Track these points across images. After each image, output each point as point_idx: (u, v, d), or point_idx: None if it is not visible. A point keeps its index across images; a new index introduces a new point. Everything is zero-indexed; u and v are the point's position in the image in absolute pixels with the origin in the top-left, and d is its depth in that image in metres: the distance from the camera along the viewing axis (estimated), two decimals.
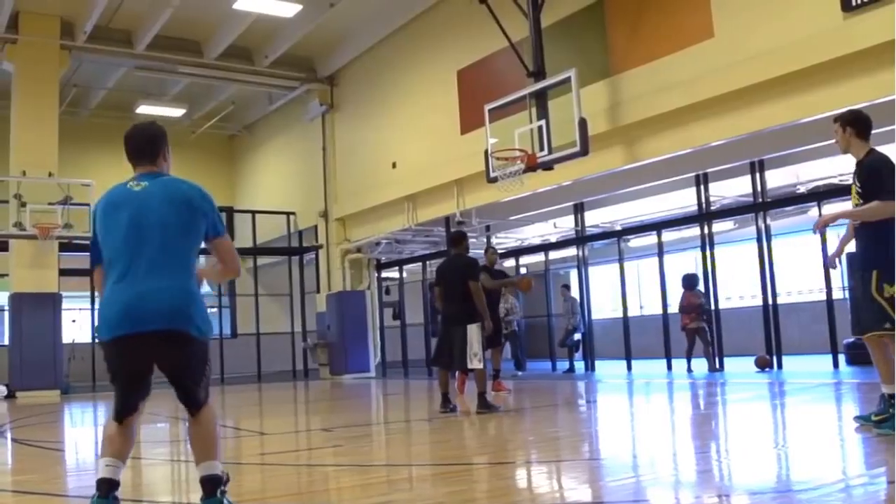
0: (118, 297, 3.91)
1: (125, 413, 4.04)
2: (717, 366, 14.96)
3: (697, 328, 15.30)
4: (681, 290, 15.86)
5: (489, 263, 12.63)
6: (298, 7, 17.49)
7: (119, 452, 3.97)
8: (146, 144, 4.20)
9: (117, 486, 3.89)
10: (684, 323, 15.46)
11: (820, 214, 13.55)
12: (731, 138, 12.34)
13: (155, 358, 3.97)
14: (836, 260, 6.95)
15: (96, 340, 4.02)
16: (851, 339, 13.86)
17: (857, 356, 13.72)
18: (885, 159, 6.01)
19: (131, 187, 4.07)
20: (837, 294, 14.42)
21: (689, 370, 14.96)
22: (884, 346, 5.87)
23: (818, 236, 6.21)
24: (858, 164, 6.11)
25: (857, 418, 6.40)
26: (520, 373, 17.27)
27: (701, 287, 15.73)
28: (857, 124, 6.14)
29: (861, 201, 6.00)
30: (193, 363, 4.03)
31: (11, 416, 12.56)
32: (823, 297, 14.40)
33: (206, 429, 4.07)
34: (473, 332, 9.35)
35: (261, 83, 21.59)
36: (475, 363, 9.33)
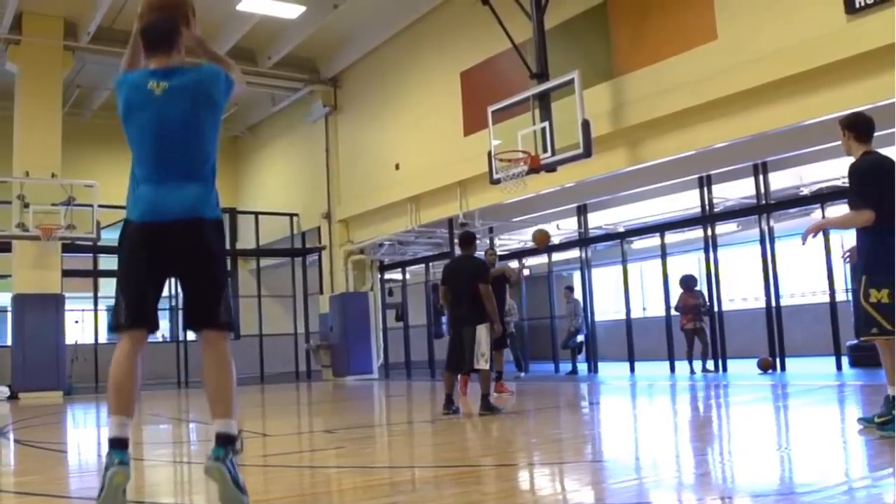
0: (145, 196, 4.09)
1: (134, 321, 4.07)
2: (712, 368, 14.96)
3: (696, 329, 15.31)
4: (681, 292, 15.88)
5: (489, 264, 12.64)
6: (302, 8, 17.51)
7: (129, 407, 4.05)
8: (163, 38, 4.31)
9: (128, 444, 3.96)
10: (682, 324, 15.47)
11: (823, 216, 13.55)
12: (734, 140, 12.34)
13: (175, 252, 4.06)
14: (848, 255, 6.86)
15: (123, 224, 4.21)
16: (854, 341, 13.85)
17: (861, 358, 13.72)
18: (869, 164, 6.01)
19: (152, 89, 4.15)
20: (840, 296, 14.43)
21: (692, 371, 14.95)
22: (892, 348, 5.87)
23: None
24: (849, 167, 6.15)
25: (860, 420, 6.40)
26: (522, 374, 17.25)
27: (700, 288, 15.73)
28: (855, 128, 6.16)
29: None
30: (211, 265, 4.12)
31: (14, 417, 12.57)
32: (826, 299, 14.41)
33: (225, 371, 4.08)
34: (483, 333, 9.41)
35: (264, 84, 21.59)
36: (482, 364, 9.37)
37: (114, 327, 4.13)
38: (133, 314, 4.09)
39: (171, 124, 4.11)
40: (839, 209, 12.80)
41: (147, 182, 4.11)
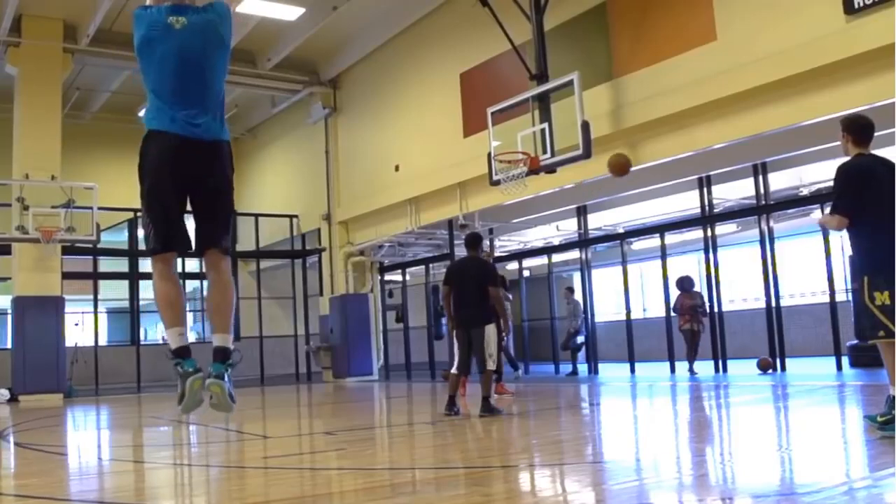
0: (170, 112, 4.42)
1: (166, 245, 4.44)
2: (697, 371, 14.94)
3: (693, 329, 15.35)
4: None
5: None
6: (301, 10, 17.52)
7: (183, 318, 4.52)
8: None
9: (190, 350, 4.41)
10: (680, 325, 15.52)
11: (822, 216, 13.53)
12: (733, 141, 12.34)
13: (198, 169, 4.44)
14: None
15: (146, 135, 4.52)
16: (854, 342, 13.86)
17: (861, 358, 13.72)
18: (857, 168, 6.05)
19: (172, 24, 4.44)
20: (840, 296, 14.43)
21: (692, 372, 14.96)
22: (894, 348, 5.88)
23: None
24: (837, 168, 6.20)
25: (866, 418, 6.42)
26: (520, 372, 17.16)
27: (700, 289, 15.74)
28: (853, 130, 6.20)
29: None
30: (220, 190, 4.56)
31: (14, 420, 12.56)
32: (826, 299, 14.41)
33: (227, 289, 4.56)
34: (490, 334, 9.43)
35: (264, 86, 21.59)
36: (490, 364, 9.40)
37: (150, 251, 4.50)
38: (164, 237, 4.46)
39: (189, 58, 4.45)
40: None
41: (169, 104, 4.44)
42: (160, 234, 4.46)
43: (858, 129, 6.19)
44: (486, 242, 19.21)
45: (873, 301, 5.85)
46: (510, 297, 15.34)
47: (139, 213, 4.50)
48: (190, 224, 4.60)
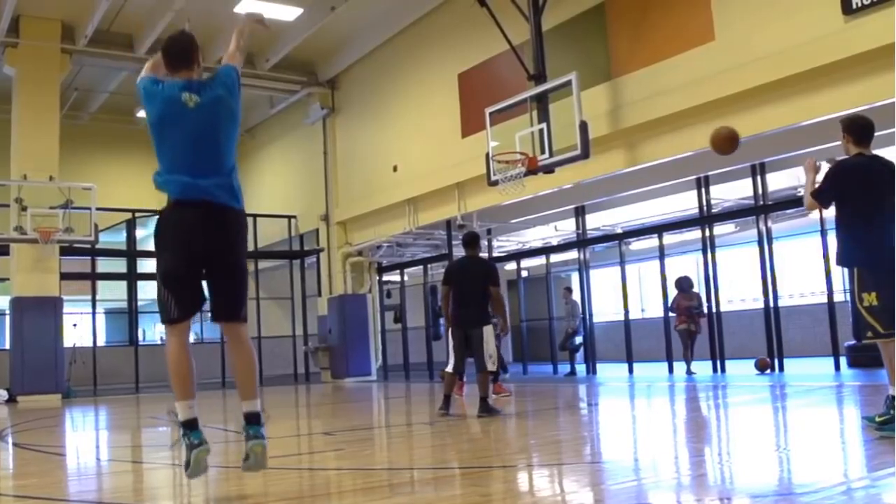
0: (184, 180, 4.59)
1: (184, 313, 4.60)
2: (695, 371, 14.97)
3: (689, 330, 15.39)
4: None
5: None
6: (299, 11, 17.52)
7: (193, 390, 4.63)
8: (184, 54, 4.84)
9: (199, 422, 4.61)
10: (675, 325, 15.58)
11: (821, 217, 13.53)
12: None
13: (213, 236, 4.59)
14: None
15: (164, 205, 4.73)
16: (852, 342, 13.86)
17: (859, 359, 13.73)
18: (852, 165, 6.17)
19: (186, 102, 4.65)
20: (839, 297, 14.42)
21: (689, 372, 14.98)
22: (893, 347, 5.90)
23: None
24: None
25: (864, 418, 6.43)
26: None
27: (698, 289, 15.75)
28: (853, 130, 6.26)
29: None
30: (236, 259, 4.75)
31: (12, 421, 12.55)
32: (824, 299, 14.41)
33: (249, 359, 4.74)
34: (489, 334, 9.43)
35: (262, 87, 21.59)
36: (490, 364, 9.39)
37: (166, 321, 4.63)
38: (182, 306, 4.62)
39: (204, 134, 4.67)
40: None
41: (183, 175, 4.61)
42: (178, 303, 4.62)
43: (859, 129, 6.24)
44: (484, 243, 19.21)
45: (861, 303, 5.93)
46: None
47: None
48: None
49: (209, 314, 4.84)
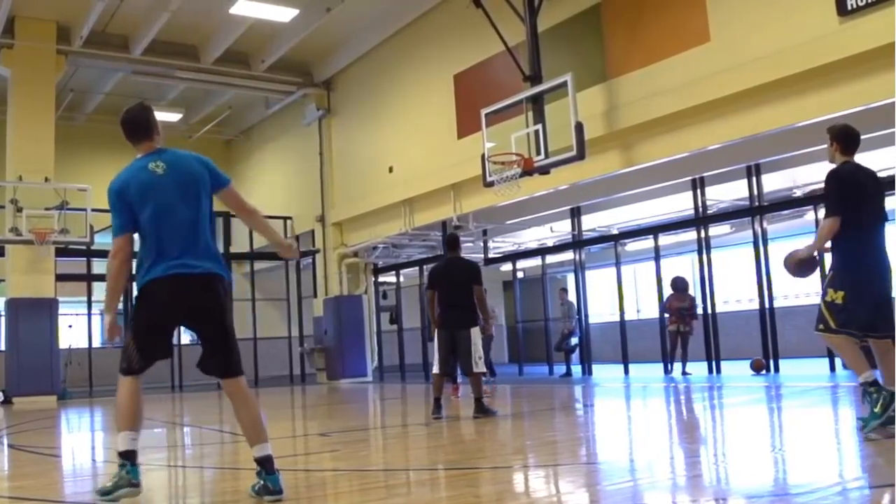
0: (166, 258, 4.63)
1: (144, 365, 4.65)
2: (690, 371, 15.02)
3: (680, 331, 15.44)
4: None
5: None
6: (295, 12, 17.50)
7: (139, 424, 4.71)
8: (144, 126, 4.87)
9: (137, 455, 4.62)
10: (667, 325, 15.69)
11: (816, 218, 13.55)
12: (727, 142, 12.37)
13: (198, 304, 4.68)
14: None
15: (144, 283, 4.70)
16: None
17: None
18: (838, 173, 6.27)
19: (153, 170, 4.72)
20: None
21: (685, 373, 15.00)
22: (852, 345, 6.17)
23: (807, 277, 6.52)
24: (828, 173, 6.40)
25: (860, 419, 6.45)
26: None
27: (694, 289, 15.77)
28: (841, 139, 6.43)
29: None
30: (224, 318, 4.79)
31: (8, 422, 12.53)
32: (820, 300, 14.40)
33: (254, 405, 4.86)
34: (477, 336, 9.40)
35: (257, 88, 21.61)
36: (479, 366, 9.37)
37: (126, 371, 4.68)
38: (147, 361, 4.69)
39: (174, 202, 4.69)
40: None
41: (167, 247, 4.65)
42: (144, 358, 4.68)
43: (846, 138, 6.42)
44: (480, 244, 19.21)
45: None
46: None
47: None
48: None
49: (199, 366, 4.92)
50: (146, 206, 4.65)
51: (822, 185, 6.42)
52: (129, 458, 4.58)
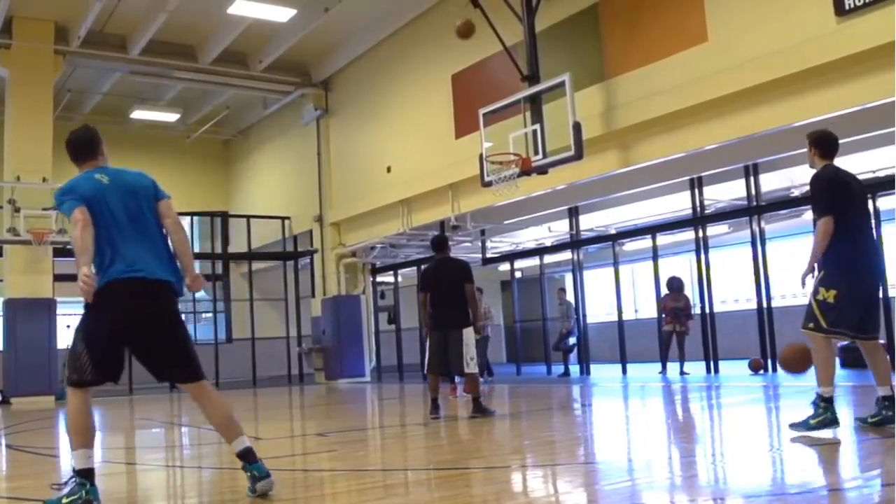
0: (123, 259, 4.66)
1: (97, 378, 4.60)
2: (688, 371, 15.05)
3: (675, 331, 15.48)
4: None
5: None
6: (293, 12, 17.50)
7: (92, 441, 4.62)
8: (88, 147, 5.02)
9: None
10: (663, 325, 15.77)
11: (815, 218, 13.54)
12: (725, 142, 12.38)
13: (147, 317, 4.67)
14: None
15: (100, 286, 4.62)
16: (845, 343, 13.85)
17: (851, 359, 13.73)
18: (824, 175, 6.35)
19: (99, 179, 4.83)
20: None
21: (683, 373, 15.00)
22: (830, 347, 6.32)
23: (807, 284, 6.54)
24: (813, 176, 6.50)
25: (857, 419, 6.51)
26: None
27: (692, 289, 15.78)
28: (821, 144, 6.52)
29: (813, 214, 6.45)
30: (177, 324, 4.82)
31: (6, 422, 12.53)
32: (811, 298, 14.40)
33: (221, 404, 4.87)
34: (469, 336, 9.36)
35: (255, 88, 21.60)
36: (472, 367, 9.34)
37: (76, 382, 4.58)
38: (100, 372, 4.63)
39: (125, 208, 4.78)
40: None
41: (118, 252, 4.68)
42: (96, 368, 4.61)
43: (826, 143, 6.51)
44: (478, 244, 19.18)
45: (816, 295, 6.20)
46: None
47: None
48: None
49: (155, 378, 4.95)
50: (96, 209, 4.70)
51: (808, 189, 6.50)
52: (88, 476, 4.51)
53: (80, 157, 4.99)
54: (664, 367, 15.58)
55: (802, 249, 15.40)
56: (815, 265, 6.29)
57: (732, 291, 19.85)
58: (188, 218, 23.55)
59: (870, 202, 12.60)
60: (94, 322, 4.65)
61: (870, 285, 6.29)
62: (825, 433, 6.08)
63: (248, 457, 4.72)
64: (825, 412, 6.11)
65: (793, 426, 6.31)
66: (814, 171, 6.47)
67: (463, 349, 9.28)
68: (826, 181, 6.29)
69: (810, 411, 6.23)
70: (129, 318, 4.64)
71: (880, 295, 6.46)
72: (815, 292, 6.20)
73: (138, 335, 4.71)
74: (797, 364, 6.83)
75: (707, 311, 15.21)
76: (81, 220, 4.62)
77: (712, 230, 16.31)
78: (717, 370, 14.94)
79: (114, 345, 4.67)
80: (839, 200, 6.21)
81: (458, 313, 9.41)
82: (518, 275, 21.64)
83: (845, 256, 6.15)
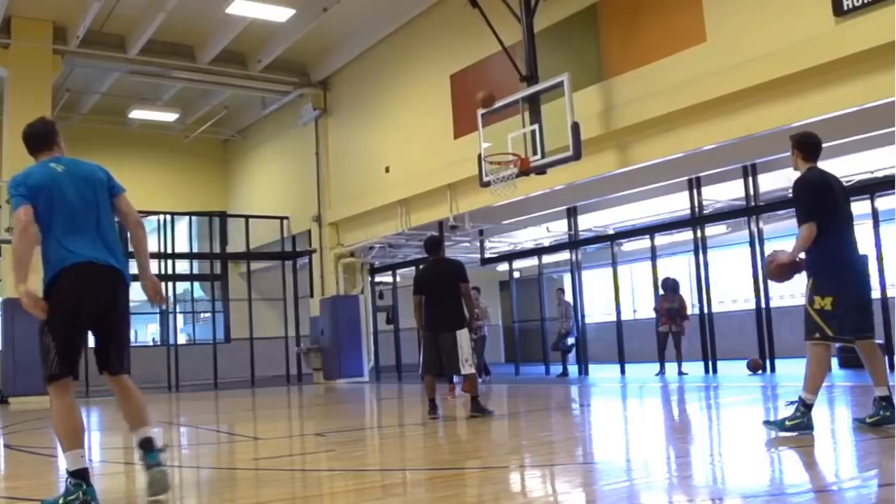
0: (75, 248, 4.71)
1: (68, 370, 4.65)
2: (686, 371, 15.09)
3: (667, 331, 15.51)
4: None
5: None
6: (292, 12, 17.49)
7: (82, 440, 4.69)
8: (44, 138, 5.04)
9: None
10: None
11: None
12: (723, 142, 12.38)
13: (104, 295, 4.78)
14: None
15: (58, 272, 4.74)
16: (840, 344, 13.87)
17: (849, 360, 13.76)
18: (819, 177, 6.38)
19: (54, 168, 4.86)
20: None
21: (681, 373, 15.01)
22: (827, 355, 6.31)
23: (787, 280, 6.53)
24: (796, 180, 6.53)
25: (856, 420, 6.51)
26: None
27: (690, 290, 15.80)
28: (804, 147, 6.58)
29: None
30: (125, 315, 4.95)
31: (4, 422, 12.52)
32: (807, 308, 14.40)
33: (137, 397, 4.94)
34: (464, 337, 9.35)
35: (254, 88, 21.59)
36: (467, 368, 9.33)
37: (51, 378, 4.63)
38: (66, 363, 4.66)
39: (79, 197, 4.82)
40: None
41: (72, 239, 4.74)
42: (64, 358, 4.65)
43: (810, 146, 6.56)
44: (476, 244, 19.17)
45: (812, 305, 6.16)
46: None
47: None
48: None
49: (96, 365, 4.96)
50: (48, 195, 4.72)
51: (791, 193, 6.51)
52: (83, 477, 4.53)
53: (37, 149, 5.02)
54: (662, 367, 15.63)
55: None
56: (805, 273, 6.26)
57: (731, 292, 19.86)
58: (186, 218, 23.57)
59: (868, 202, 12.66)
60: (54, 311, 4.65)
61: (860, 286, 6.30)
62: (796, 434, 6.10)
63: (148, 445, 4.81)
64: (802, 416, 6.18)
65: (767, 424, 6.37)
66: (797, 174, 6.50)
67: (458, 350, 9.27)
68: (809, 187, 6.30)
69: (789, 411, 6.27)
70: (88, 301, 4.71)
71: (872, 295, 6.43)
72: (811, 302, 6.17)
73: (98, 317, 4.80)
74: (782, 275, 6.74)
75: (705, 311, 15.21)
76: (23, 221, 4.65)
77: (711, 230, 16.32)
78: (715, 370, 14.95)
79: (76, 332, 4.72)
80: (822, 205, 6.21)
81: (453, 315, 9.40)
82: (516, 275, 21.64)
83: (832, 262, 6.16)
